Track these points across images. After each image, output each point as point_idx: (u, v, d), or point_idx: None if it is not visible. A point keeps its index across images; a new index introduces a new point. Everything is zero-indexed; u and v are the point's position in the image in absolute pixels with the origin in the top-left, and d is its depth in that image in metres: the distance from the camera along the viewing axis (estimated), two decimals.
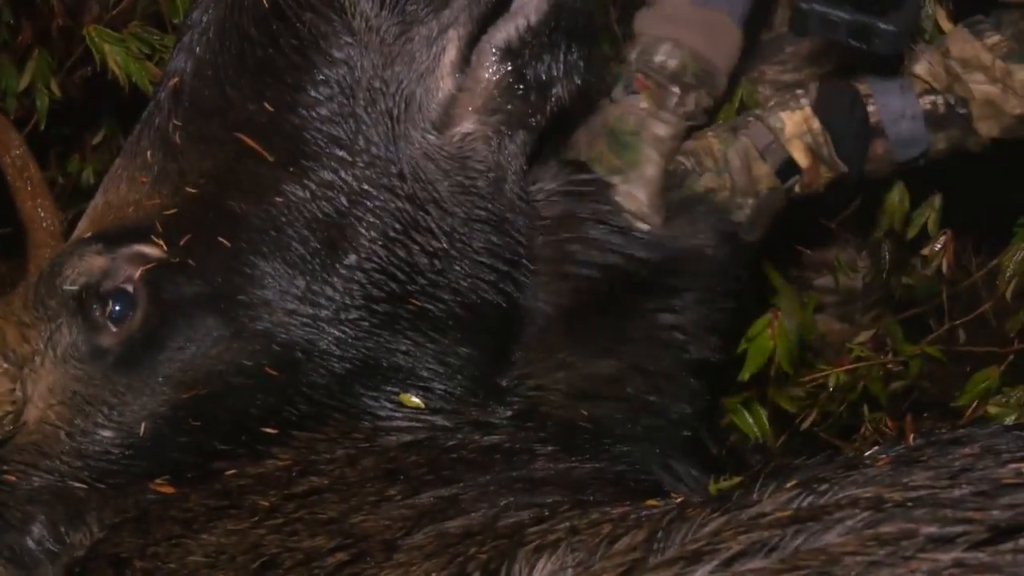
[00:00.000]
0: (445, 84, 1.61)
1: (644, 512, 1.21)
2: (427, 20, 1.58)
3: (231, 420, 1.55)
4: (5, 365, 1.57)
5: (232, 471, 1.52)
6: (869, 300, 2.50)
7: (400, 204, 1.57)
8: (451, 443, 1.51)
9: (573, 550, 1.17)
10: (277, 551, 1.37)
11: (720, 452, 2.03)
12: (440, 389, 1.58)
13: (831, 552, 1.00)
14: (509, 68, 1.63)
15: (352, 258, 1.56)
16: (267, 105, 1.57)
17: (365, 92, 1.57)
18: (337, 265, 1.56)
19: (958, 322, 2.32)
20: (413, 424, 1.55)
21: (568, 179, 1.80)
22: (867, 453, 1.14)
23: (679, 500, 1.24)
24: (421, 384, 1.58)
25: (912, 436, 1.15)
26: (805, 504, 1.07)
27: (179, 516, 1.48)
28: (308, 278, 1.55)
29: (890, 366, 2.24)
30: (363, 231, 1.56)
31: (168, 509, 1.50)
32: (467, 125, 1.62)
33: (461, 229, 1.60)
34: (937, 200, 2.14)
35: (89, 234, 1.63)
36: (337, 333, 1.55)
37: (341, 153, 1.57)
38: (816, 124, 1.98)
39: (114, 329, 1.57)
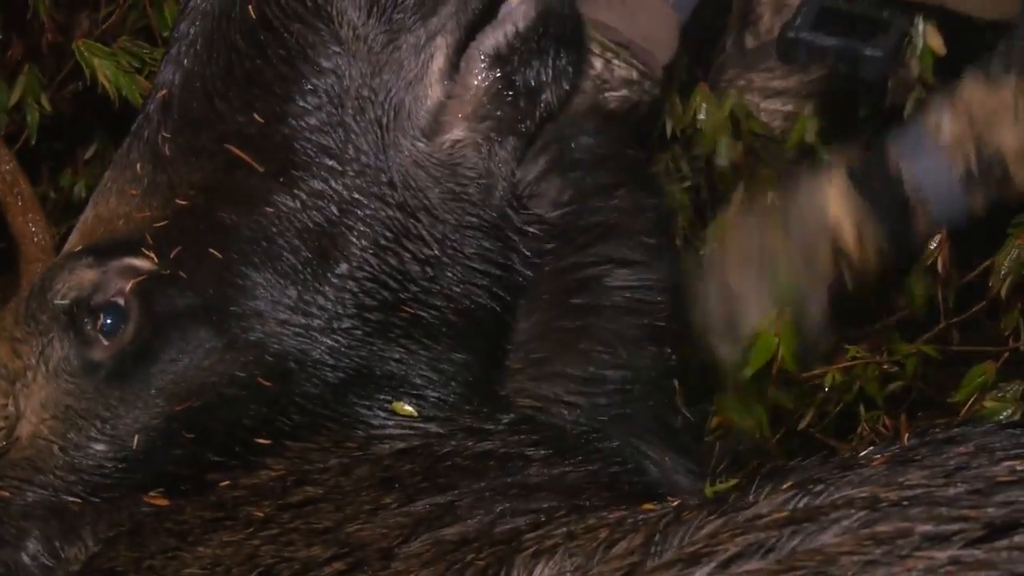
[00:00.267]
0: (434, 91, 1.60)
1: (641, 516, 1.21)
2: (415, 28, 1.58)
3: (224, 431, 1.54)
4: None
5: (226, 482, 1.51)
6: None
7: (391, 212, 1.57)
8: (445, 450, 1.51)
9: (571, 555, 1.17)
10: (273, 561, 1.36)
11: (714, 447, 2.02)
12: (434, 396, 1.58)
13: (827, 552, 1.00)
14: (498, 75, 1.62)
15: (344, 267, 1.55)
16: (256, 116, 1.57)
17: (354, 101, 1.57)
18: (329, 274, 1.55)
19: (954, 320, 2.33)
20: (407, 432, 1.55)
21: None
22: (862, 453, 1.14)
23: (675, 503, 1.24)
24: (415, 392, 1.57)
25: (907, 436, 1.15)
26: (801, 505, 1.07)
27: (174, 528, 1.47)
28: (300, 288, 1.55)
29: (886, 366, 2.24)
30: (354, 240, 1.56)
31: (163, 522, 1.50)
32: (457, 132, 1.62)
33: (452, 236, 1.59)
34: None
35: (79, 248, 1.62)
36: (330, 342, 1.55)
37: (331, 162, 1.56)
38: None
39: (106, 342, 1.56)
